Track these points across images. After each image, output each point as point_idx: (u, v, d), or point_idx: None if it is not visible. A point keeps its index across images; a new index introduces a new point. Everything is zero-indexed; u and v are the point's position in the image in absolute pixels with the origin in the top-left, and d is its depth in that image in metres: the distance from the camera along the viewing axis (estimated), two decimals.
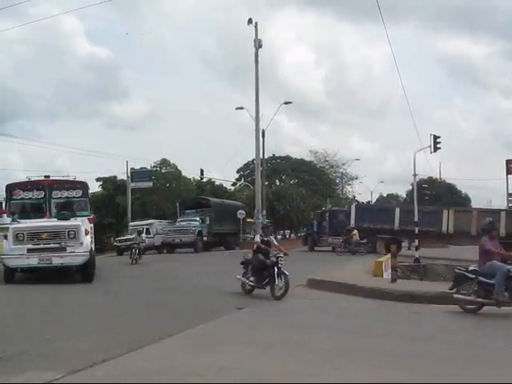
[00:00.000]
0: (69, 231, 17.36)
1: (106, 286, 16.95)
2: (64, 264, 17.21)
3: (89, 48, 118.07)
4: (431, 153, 33.86)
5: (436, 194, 76.06)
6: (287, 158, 75.27)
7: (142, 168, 52.37)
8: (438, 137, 33.26)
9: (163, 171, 55.61)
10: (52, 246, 17.13)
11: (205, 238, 39.83)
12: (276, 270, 13.49)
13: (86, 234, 17.74)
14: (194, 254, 36.40)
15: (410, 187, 62.07)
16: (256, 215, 45.97)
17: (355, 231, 35.98)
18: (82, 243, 17.29)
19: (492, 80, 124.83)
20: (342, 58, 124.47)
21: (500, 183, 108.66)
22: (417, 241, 32.65)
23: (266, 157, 52.58)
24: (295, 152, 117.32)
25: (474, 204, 71.98)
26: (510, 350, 8.28)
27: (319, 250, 41.53)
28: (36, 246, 17.03)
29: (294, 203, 55.26)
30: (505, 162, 52.78)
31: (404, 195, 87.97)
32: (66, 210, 18.91)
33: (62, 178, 20.37)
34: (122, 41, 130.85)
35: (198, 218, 40.69)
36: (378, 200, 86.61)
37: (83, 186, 19.98)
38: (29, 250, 16.89)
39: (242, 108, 45.21)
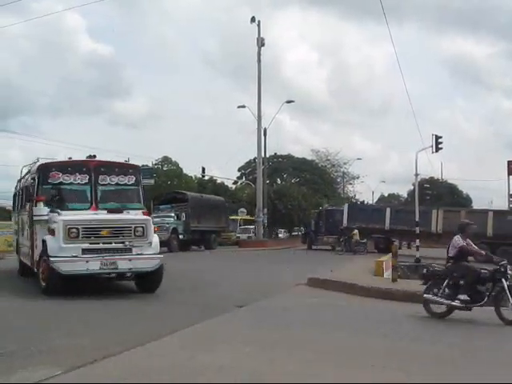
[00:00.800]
0: (135, 227, 13.55)
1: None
2: (133, 270, 13.50)
3: (91, 45, 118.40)
4: (433, 153, 33.88)
5: (437, 194, 76.06)
6: (289, 157, 75.31)
7: (143, 165, 52.35)
8: (440, 137, 33.24)
9: (165, 169, 55.67)
10: (114, 245, 13.30)
11: (181, 236, 36.63)
12: (505, 283, 10.56)
13: (155, 231, 14.49)
14: (167, 254, 34.39)
15: (412, 187, 62.12)
16: (257, 214, 46.05)
17: (355, 231, 36.21)
18: (150, 243, 13.72)
19: (494, 80, 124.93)
20: (344, 57, 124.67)
21: (502, 184, 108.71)
22: (417, 241, 32.65)
23: (267, 155, 52.70)
24: (297, 151, 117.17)
25: (475, 204, 71.94)
26: None
27: (317, 249, 41.72)
28: (94, 246, 13.07)
29: (295, 202, 55.27)
30: (506, 163, 52.77)
31: (405, 195, 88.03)
32: (116, 200, 14.78)
33: (112, 160, 16.02)
34: (124, 38, 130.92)
35: (172, 214, 37.41)
36: (379, 200, 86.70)
37: (136, 171, 15.79)
38: (84, 251, 12.91)
39: (244, 106, 45.32)
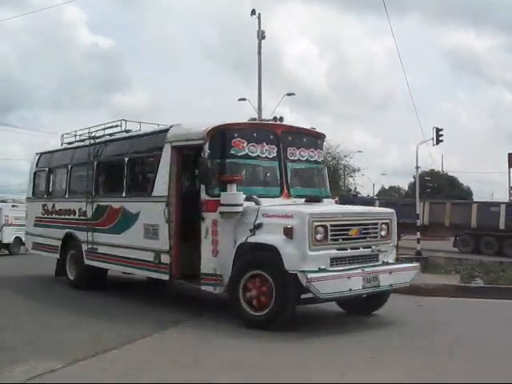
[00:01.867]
0: (381, 224, 9.78)
1: None
2: (393, 286, 9.53)
3: (91, 38, 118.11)
4: (434, 145, 33.68)
5: (438, 187, 76.01)
6: None
7: None
8: (441, 129, 33.10)
9: None
10: (362, 251, 9.34)
11: None
12: None
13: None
14: None
15: (412, 180, 62.06)
16: None
17: None
18: (395, 246, 10.21)
19: (495, 73, 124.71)
20: (345, 50, 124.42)
21: (502, 176, 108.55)
22: (418, 233, 32.60)
23: None
24: None
25: (476, 197, 71.89)
26: None
27: None
28: (342, 253, 9.00)
29: None
30: (507, 156, 52.64)
31: (406, 188, 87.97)
32: (305, 184, 11.04)
33: (299, 126, 11.51)
34: (125, 32, 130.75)
35: None
36: (379, 192, 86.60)
37: (323, 142, 11.83)
38: (332, 261, 8.82)
39: (244, 99, 45.13)
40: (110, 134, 12.85)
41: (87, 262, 12.75)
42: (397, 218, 10.10)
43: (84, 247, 12.78)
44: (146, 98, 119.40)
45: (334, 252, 8.85)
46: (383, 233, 9.75)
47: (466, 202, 32.61)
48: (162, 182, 10.45)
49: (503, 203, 36.05)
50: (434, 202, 39.62)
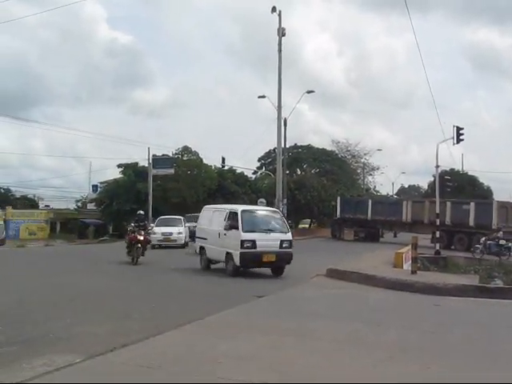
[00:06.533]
0: None
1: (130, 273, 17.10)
2: None
3: (111, 34, 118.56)
4: (454, 144, 33.43)
5: (458, 186, 75.35)
6: (309, 148, 74.89)
7: (164, 155, 52.60)
8: (462, 128, 32.80)
9: (185, 158, 55.70)
10: None
11: None
12: None
13: None
14: None
15: (432, 179, 61.53)
16: (277, 204, 45.94)
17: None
18: None
19: None
20: (365, 47, 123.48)
21: None
22: (438, 233, 32.40)
23: (287, 146, 52.53)
24: (317, 141, 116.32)
25: (496, 197, 71.13)
26: None
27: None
28: None
29: (314, 193, 55.13)
30: None
31: (426, 187, 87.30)
32: None
33: None
34: (145, 28, 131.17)
35: None
36: (399, 191, 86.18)
37: None
38: None
39: (264, 96, 45.07)
40: None
41: None
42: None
43: None
44: (166, 93, 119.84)
45: None
46: None
47: (441, 200, 33.19)
48: None
49: (473, 201, 37.64)
50: (415, 201, 43.39)
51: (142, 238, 20.00)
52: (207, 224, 18.83)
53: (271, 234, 16.77)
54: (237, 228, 16.39)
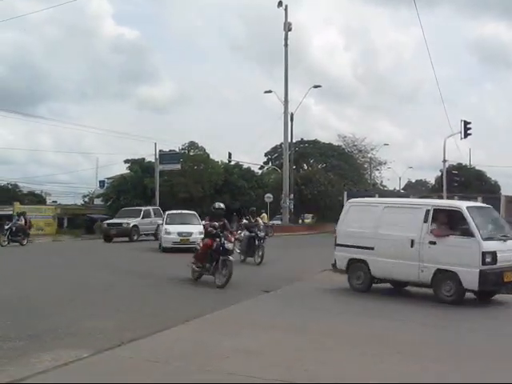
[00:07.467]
0: None
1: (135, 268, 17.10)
2: None
3: (118, 30, 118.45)
4: (461, 139, 33.45)
5: (465, 181, 75.09)
6: (315, 142, 74.81)
7: (170, 150, 52.64)
8: (469, 123, 32.78)
9: (191, 154, 55.75)
10: None
11: None
12: None
13: None
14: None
15: (439, 173, 61.37)
16: (283, 199, 45.91)
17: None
18: None
19: None
20: (372, 41, 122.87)
21: None
22: None
23: (294, 140, 52.50)
24: (323, 136, 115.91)
25: (504, 191, 70.94)
26: None
27: None
28: None
29: (321, 188, 55.09)
30: None
31: (433, 181, 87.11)
32: None
33: None
34: (150, 23, 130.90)
35: None
36: (406, 185, 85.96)
37: None
38: None
39: (270, 91, 45.04)
40: None
41: None
42: None
43: None
44: (172, 89, 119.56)
45: None
46: None
47: (448, 195, 33.20)
48: None
49: (481, 196, 36.24)
50: (423, 196, 41.75)
51: (231, 246, 13.29)
52: (370, 227, 12.81)
53: (508, 242, 11.69)
54: (466, 234, 11.29)
